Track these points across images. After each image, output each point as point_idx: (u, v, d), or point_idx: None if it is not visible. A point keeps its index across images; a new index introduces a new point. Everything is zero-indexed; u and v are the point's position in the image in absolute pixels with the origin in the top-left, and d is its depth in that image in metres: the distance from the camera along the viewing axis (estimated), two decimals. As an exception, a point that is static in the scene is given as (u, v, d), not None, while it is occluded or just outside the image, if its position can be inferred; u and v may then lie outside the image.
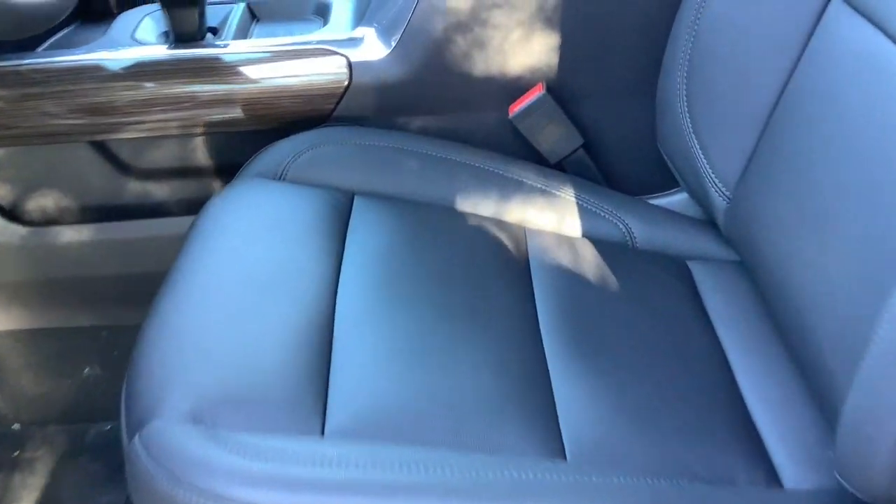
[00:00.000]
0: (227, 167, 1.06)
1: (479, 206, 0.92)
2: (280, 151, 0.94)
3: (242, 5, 1.09)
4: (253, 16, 1.10)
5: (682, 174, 0.95)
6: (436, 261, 0.83)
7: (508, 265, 0.85)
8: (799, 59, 0.80)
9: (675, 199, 1.01)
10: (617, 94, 0.99)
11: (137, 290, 1.04)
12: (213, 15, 1.06)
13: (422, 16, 0.96)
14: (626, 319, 0.82)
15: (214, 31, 1.05)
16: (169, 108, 0.98)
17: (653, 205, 0.99)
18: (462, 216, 0.91)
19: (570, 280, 0.85)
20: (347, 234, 0.85)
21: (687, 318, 0.84)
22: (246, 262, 0.78)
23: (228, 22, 1.06)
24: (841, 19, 0.76)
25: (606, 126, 1.00)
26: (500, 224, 0.91)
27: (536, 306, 0.80)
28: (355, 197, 0.91)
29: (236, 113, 0.99)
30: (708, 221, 0.97)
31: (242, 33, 1.05)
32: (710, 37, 0.86)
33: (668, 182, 1.01)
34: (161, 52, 0.99)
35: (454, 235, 0.88)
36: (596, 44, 0.97)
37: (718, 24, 0.85)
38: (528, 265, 0.86)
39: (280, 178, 0.92)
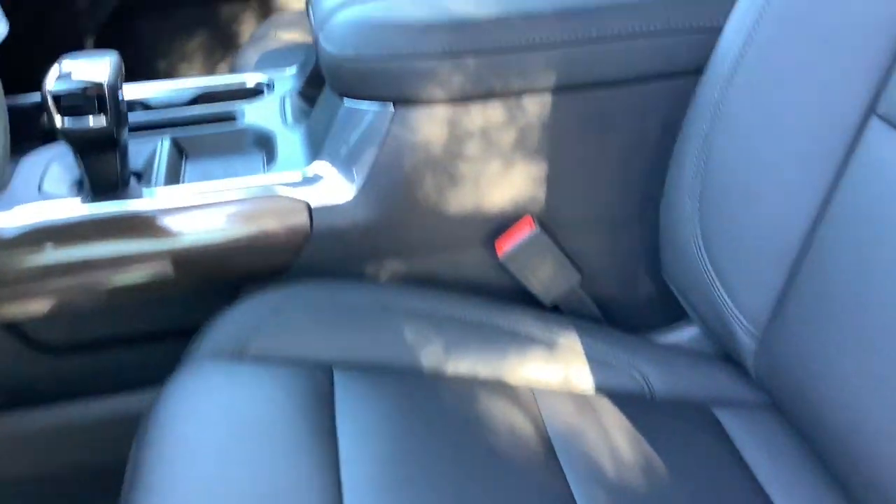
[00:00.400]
0: (169, 334, 0.89)
1: (477, 367, 0.79)
2: (237, 321, 0.79)
3: (168, 141, 0.93)
4: (181, 152, 0.94)
5: (696, 310, 0.85)
6: (447, 454, 0.69)
7: (528, 445, 0.72)
8: (836, 183, 0.72)
9: (685, 335, 0.90)
10: (612, 222, 0.89)
11: (59, 492, 0.86)
12: (133, 154, 0.90)
13: (390, 151, 0.83)
14: (673, 500, 0.70)
15: (139, 175, 0.89)
16: (90, 274, 0.82)
17: (664, 345, 0.89)
18: (462, 384, 0.78)
19: (599, 454, 0.73)
20: (338, 429, 0.70)
21: (738, 490, 0.73)
22: (222, 492, 0.62)
23: (155, 162, 0.90)
24: (883, 140, 0.68)
25: (603, 258, 0.90)
26: (506, 388, 0.79)
27: (573, 495, 0.68)
28: (335, 372, 0.76)
29: (175, 274, 0.83)
30: (724, 357, 0.87)
31: (173, 175, 0.89)
32: (727, 161, 0.77)
33: (674, 316, 0.91)
34: (76, 208, 0.82)
35: (459, 413, 0.75)
36: (584, 170, 0.86)
37: (736, 147, 0.76)
38: (549, 439, 0.74)
39: (241, 356, 0.76)
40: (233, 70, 1.65)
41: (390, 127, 0.82)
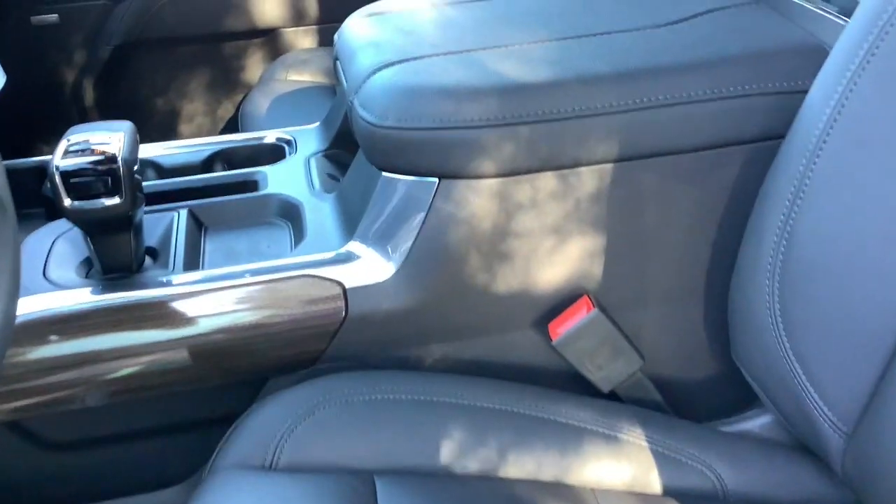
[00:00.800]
0: (188, 427, 0.81)
1: (534, 468, 0.71)
2: (265, 424, 0.70)
3: (185, 213, 0.85)
4: (200, 225, 0.86)
5: (772, 398, 0.77)
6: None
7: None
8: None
9: (757, 423, 0.82)
10: (676, 300, 0.81)
11: None
12: (148, 228, 0.82)
13: (433, 226, 0.75)
14: None
15: (154, 252, 0.81)
16: (102, 367, 0.73)
17: (736, 436, 0.80)
18: (519, 488, 0.70)
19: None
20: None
21: None
22: None
23: (172, 238, 0.81)
24: None
25: (666, 339, 0.81)
26: (566, 491, 0.70)
27: None
28: (377, 481, 0.68)
29: (196, 366, 0.74)
30: (802, 448, 0.79)
31: (193, 252, 0.81)
32: (812, 240, 0.69)
33: (744, 402, 0.83)
34: (85, 298, 0.74)
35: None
36: (646, 245, 0.78)
37: (824, 226, 0.69)
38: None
39: (272, 465, 0.68)
40: (241, 114, 1.58)
41: (433, 201, 0.74)
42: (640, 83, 0.74)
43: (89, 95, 1.80)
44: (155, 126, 1.87)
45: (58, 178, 0.69)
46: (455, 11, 0.90)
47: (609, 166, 0.75)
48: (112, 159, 0.70)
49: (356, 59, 0.82)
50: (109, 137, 0.72)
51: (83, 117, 1.82)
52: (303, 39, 1.90)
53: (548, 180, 0.75)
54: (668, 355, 0.82)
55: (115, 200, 0.70)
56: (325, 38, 1.89)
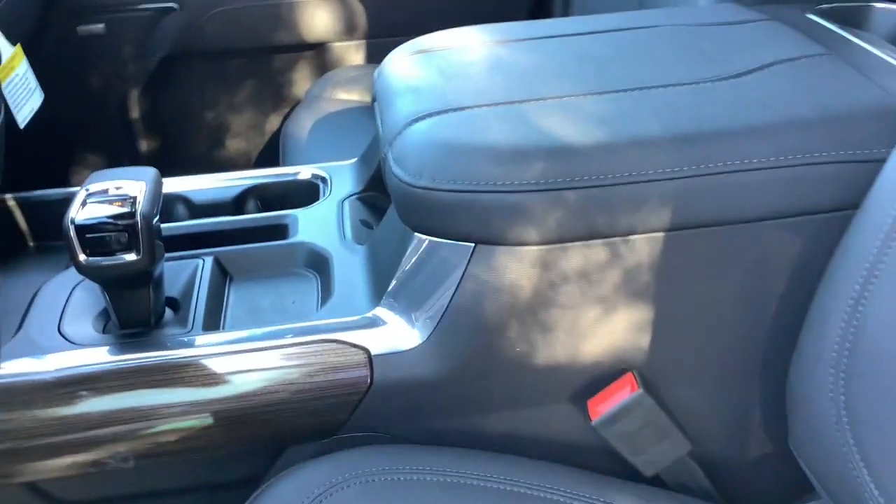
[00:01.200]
0: (200, 489, 0.78)
1: (567, 564, 0.66)
2: (283, 497, 0.66)
3: (210, 261, 0.81)
4: (224, 273, 0.82)
5: (831, 492, 0.70)
6: None
7: None
8: None
9: (813, 515, 0.76)
10: (728, 381, 0.74)
11: None
12: (171, 276, 0.78)
13: (467, 294, 0.70)
14: None
15: (174, 304, 0.77)
16: (116, 430, 0.69)
17: (791, 532, 0.74)
18: (548, 588, 0.65)
19: None
20: None
21: None
22: None
23: (195, 289, 0.77)
24: None
25: (716, 422, 0.75)
26: (601, 593, 0.65)
27: None
28: (397, 572, 0.63)
29: (209, 434, 0.70)
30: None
31: (215, 306, 0.77)
32: (886, 333, 0.63)
33: (798, 492, 0.76)
34: (100, 358, 0.70)
35: None
36: (697, 320, 0.72)
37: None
38: None
39: (285, 550, 0.63)
40: (284, 134, 1.54)
41: (468, 266, 0.69)
42: (697, 147, 0.68)
43: (135, 107, 1.78)
44: (202, 139, 1.85)
45: (73, 233, 0.66)
46: (505, 52, 0.85)
47: (661, 235, 0.69)
48: (131, 214, 0.66)
49: (393, 106, 0.77)
50: (130, 188, 0.68)
51: (128, 129, 1.80)
52: (353, 55, 1.86)
53: (594, 249, 0.69)
54: (718, 439, 0.76)
55: (133, 256, 0.67)
56: (375, 54, 1.85)
